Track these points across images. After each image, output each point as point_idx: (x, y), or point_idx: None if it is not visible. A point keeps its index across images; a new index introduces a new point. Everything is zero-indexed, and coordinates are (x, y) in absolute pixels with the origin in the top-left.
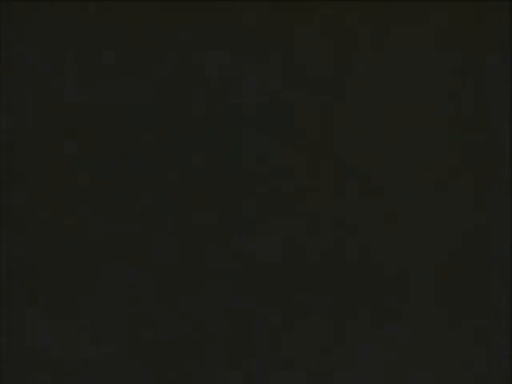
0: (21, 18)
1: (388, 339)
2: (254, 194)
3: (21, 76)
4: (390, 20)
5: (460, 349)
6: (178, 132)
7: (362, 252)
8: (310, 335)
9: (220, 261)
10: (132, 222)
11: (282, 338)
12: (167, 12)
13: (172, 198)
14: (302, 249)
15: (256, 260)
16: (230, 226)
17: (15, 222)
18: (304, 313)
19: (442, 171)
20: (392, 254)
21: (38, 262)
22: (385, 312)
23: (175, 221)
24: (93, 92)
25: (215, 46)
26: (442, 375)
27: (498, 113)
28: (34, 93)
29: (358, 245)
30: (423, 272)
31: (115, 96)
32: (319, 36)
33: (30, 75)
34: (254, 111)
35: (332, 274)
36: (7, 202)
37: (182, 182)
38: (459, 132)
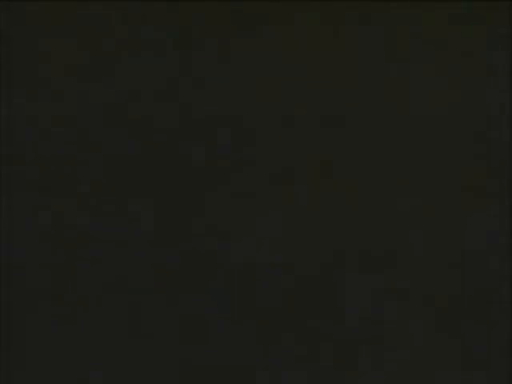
0: (21, 18)
1: (387, 341)
2: (250, 196)
3: (21, 76)
4: (389, 20)
5: (459, 351)
6: (177, 133)
7: (362, 256)
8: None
9: (218, 262)
10: (131, 219)
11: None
12: (168, 12)
13: (172, 199)
14: (302, 254)
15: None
16: (229, 229)
17: (15, 221)
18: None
19: (441, 171)
20: (394, 256)
21: (38, 262)
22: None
23: (174, 224)
24: (93, 91)
25: (214, 45)
26: (441, 374)
27: (498, 112)
28: (33, 92)
29: (358, 251)
30: (423, 272)
31: (116, 95)
32: (319, 35)
33: (30, 74)
34: (253, 112)
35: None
36: (6, 201)
37: (182, 181)
38: (459, 131)
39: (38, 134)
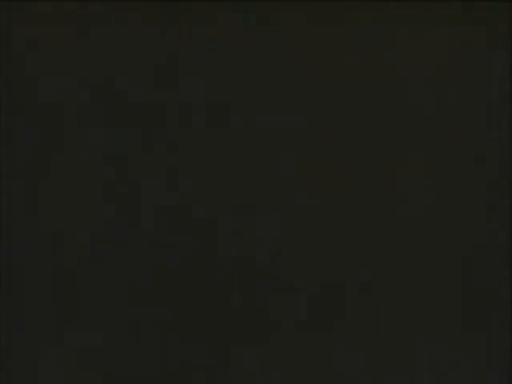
0: (21, 18)
1: (385, 339)
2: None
3: (21, 76)
4: (389, 20)
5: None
6: (177, 133)
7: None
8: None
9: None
10: (132, 219)
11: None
12: (167, 12)
13: (172, 196)
14: (299, 253)
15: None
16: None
17: (15, 221)
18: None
19: (442, 171)
20: (392, 254)
21: (38, 262)
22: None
23: (175, 224)
24: (93, 91)
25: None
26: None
27: (499, 113)
28: (34, 92)
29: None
30: (422, 273)
31: (116, 95)
32: (319, 35)
33: (30, 75)
34: (247, 111)
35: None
36: (6, 201)
37: (182, 181)
38: (459, 132)
39: (38, 134)
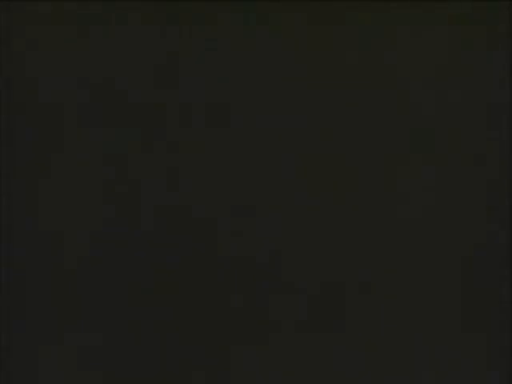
0: (21, 18)
1: (387, 339)
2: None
3: (21, 76)
4: (389, 20)
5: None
6: (178, 134)
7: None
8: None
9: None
10: (132, 219)
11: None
12: (168, 12)
13: (172, 196)
14: (302, 253)
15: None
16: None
17: (15, 221)
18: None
19: (441, 171)
20: (391, 253)
21: (38, 262)
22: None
23: (173, 223)
24: (93, 91)
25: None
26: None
27: (498, 112)
28: (34, 92)
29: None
30: (423, 273)
31: (116, 95)
32: (319, 35)
33: (30, 75)
34: (247, 111)
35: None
36: (6, 201)
37: (181, 181)
38: (459, 132)
39: (38, 134)
